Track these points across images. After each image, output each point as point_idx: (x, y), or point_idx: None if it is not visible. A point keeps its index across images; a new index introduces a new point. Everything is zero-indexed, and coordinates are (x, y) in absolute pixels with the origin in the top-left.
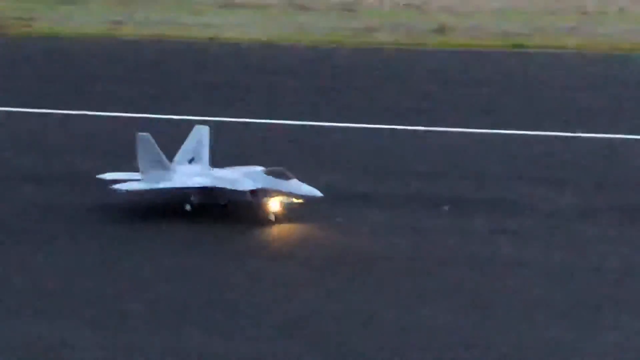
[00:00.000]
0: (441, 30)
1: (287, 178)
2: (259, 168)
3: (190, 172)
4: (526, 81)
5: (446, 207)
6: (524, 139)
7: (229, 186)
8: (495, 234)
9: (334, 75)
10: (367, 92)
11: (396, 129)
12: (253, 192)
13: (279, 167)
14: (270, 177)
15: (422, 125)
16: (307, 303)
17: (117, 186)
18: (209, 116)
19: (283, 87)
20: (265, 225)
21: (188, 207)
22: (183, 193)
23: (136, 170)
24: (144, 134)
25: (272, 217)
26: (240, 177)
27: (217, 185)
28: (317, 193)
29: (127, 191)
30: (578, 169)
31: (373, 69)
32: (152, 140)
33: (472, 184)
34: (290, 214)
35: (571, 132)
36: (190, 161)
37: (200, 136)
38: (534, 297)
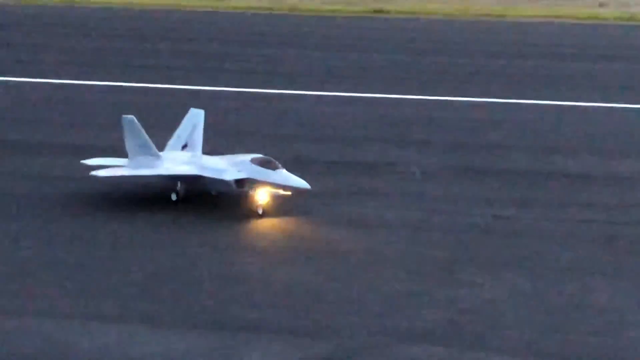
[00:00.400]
0: None
1: (275, 168)
2: (248, 157)
3: (177, 160)
4: (386, 46)
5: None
6: (384, 102)
7: (213, 175)
8: (356, 194)
9: None
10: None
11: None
12: (239, 183)
13: (267, 156)
14: (257, 167)
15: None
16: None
17: (95, 172)
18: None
19: None
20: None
21: (174, 197)
22: (169, 182)
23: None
24: (128, 116)
25: (260, 211)
26: (227, 167)
27: (201, 174)
28: (305, 185)
29: (106, 177)
30: (433, 131)
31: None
32: (137, 123)
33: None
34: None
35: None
36: (184, 147)
37: (195, 120)
38: (389, 255)
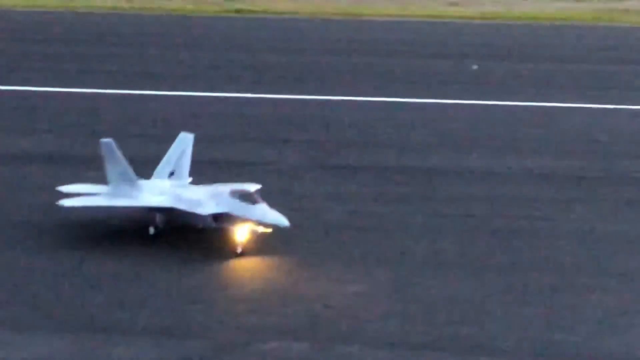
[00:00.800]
0: None
1: (254, 202)
2: (228, 188)
3: (156, 189)
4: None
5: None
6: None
7: (188, 208)
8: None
9: None
10: None
11: None
12: (216, 218)
13: (249, 186)
14: (235, 201)
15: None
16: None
17: (62, 201)
18: None
19: None
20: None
21: (152, 230)
22: (148, 213)
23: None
24: (107, 139)
25: (239, 249)
26: (206, 199)
27: (175, 207)
28: (284, 222)
29: (74, 208)
30: (300, 130)
31: None
32: (115, 147)
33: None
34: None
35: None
36: (171, 175)
37: (184, 145)
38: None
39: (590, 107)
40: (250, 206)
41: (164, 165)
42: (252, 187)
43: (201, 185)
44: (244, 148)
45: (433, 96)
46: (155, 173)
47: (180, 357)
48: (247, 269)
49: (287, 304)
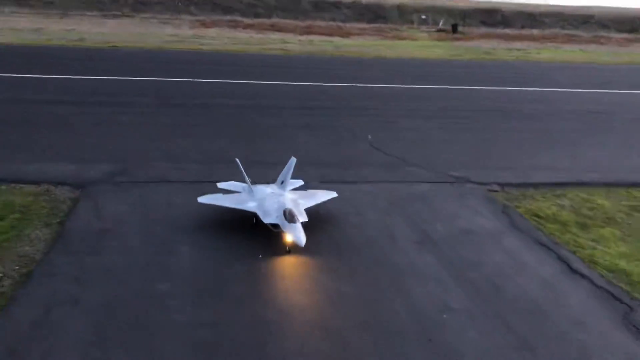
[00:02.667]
0: None
1: (290, 220)
2: (290, 198)
3: (259, 193)
4: None
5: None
6: None
7: (261, 215)
8: None
9: None
10: None
11: None
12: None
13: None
14: (282, 214)
15: None
16: None
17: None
18: None
19: None
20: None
21: (254, 221)
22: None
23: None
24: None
25: (288, 249)
26: (274, 209)
27: (257, 212)
28: (302, 242)
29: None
30: None
31: None
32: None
33: None
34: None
35: None
36: (281, 183)
37: (291, 164)
38: None
39: None
40: (287, 223)
41: (279, 177)
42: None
43: (295, 193)
44: None
45: None
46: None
47: None
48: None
49: None
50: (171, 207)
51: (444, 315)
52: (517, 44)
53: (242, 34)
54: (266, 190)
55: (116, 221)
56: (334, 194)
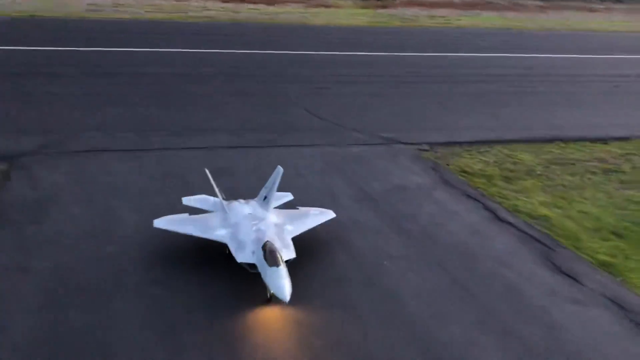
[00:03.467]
0: None
1: (272, 264)
2: (267, 234)
3: (235, 217)
4: None
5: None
6: None
7: (233, 249)
8: None
9: None
10: None
11: None
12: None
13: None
14: (261, 254)
15: None
16: None
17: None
18: None
19: None
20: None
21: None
22: None
23: None
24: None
25: (269, 295)
26: (251, 242)
27: (227, 244)
28: (285, 297)
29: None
30: None
31: None
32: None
33: None
34: None
35: None
36: (264, 198)
37: (276, 176)
38: None
39: None
40: (268, 267)
41: (262, 190)
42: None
43: (282, 213)
44: None
45: None
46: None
47: None
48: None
49: None
50: (110, 175)
51: (385, 262)
52: (440, 12)
53: (163, 2)
54: (244, 209)
55: (54, 191)
56: (331, 214)
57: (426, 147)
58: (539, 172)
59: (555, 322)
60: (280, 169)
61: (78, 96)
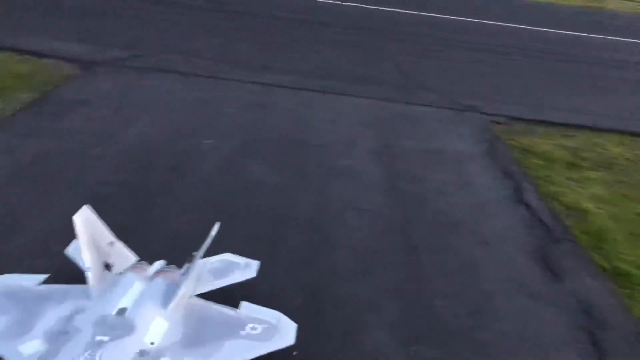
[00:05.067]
0: None
1: None
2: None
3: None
4: None
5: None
6: None
7: None
8: None
9: None
10: None
11: None
12: None
13: None
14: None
15: None
16: None
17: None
18: None
19: None
20: None
21: None
22: None
23: None
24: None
25: None
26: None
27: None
28: None
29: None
30: None
31: None
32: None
33: None
34: None
35: None
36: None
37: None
38: None
39: None
40: None
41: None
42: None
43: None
44: None
45: None
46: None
47: None
48: None
49: None
50: (155, 92)
51: (347, 213)
52: None
53: None
54: (116, 301)
55: (97, 96)
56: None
57: (502, 120)
58: (618, 166)
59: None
60: (216, 227)
61: (186, 25)
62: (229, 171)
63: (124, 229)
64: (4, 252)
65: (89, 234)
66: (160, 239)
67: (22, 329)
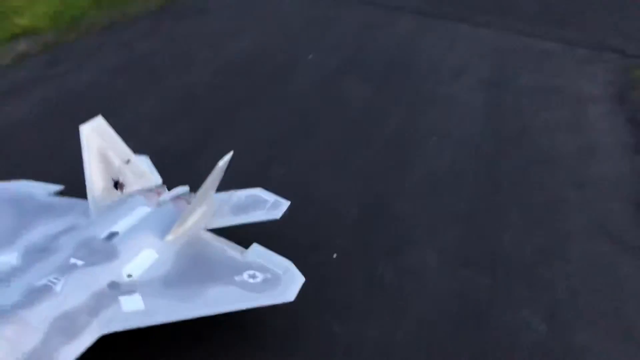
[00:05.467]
0: None
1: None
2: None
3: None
4: None
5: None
6: None
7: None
8: None
9: None
10: None
11: None
12: None
13: None
14: None
15: None
16: None
17: None
18: None
19: None
20: None
21: None
22: None
23: None
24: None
25: None
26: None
27: None
28: None
29: None
30: None
31: None
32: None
33: None
34: None
35: None
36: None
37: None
38: None
39: None
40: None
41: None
42: None
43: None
44: None
45: None
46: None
47: None
48: None
49: None
50: (274, 6)
51: (434, 138)
52: None
53: None
54: (112, 221)
55: (219, 6)
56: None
57: None
58: None
59: None
60: (227, 157)
61: None
62: (326, 85)
63: (206, 131)
64: None
65: (98, 147)
66: (237, 144)
67: (7, 239)
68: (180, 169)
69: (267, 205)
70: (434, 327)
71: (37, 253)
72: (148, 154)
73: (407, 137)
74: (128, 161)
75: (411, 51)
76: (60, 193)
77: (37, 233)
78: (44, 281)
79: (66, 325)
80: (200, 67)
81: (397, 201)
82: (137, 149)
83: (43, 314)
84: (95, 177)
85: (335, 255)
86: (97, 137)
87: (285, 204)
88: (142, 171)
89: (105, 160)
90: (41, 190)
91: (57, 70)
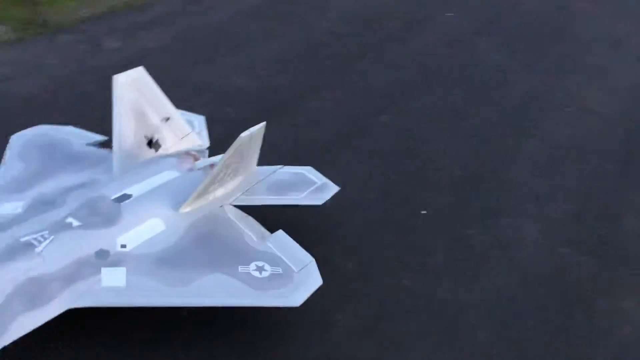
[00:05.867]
0: None
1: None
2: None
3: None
4: None
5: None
6: None
7: None
8: None
9: None
10: None
11: None
12: None
13: None
14: None
15: None
16: None
17: None
18: None
19: None
20: None
21: None
22: None
23: None
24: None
25: None
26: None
27: None
28: None
29: None
30: None
31: None
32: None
33: None
34: None
35: None
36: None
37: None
38: None
39: None
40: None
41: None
42: None
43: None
44: None
45: None
46: None
47: None
48: None
49: None
50: None
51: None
52: None
53: None
54: (130, 179)
55: None
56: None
57: None
58: None
59: None
60: (246, 134)
61: None
62: (455, 43)
63: (322, 76)
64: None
65: (134, 100)
66: (353, 91)
67: (22, 186)
68: (286, 112)
69: (310, 187)
70: (511, 303)
71: (42, 205)
72: (258, 94)
73: (536, 106)
74: (168, 119)
75: (564, 17)
76: (103, 145)
77: (53, 184)
78: (28, 238)
79: (34, 291)
80: (334, 14)
81: (507, 168)
82: (248, 87)
83: (12, 274)
84: (125, 132)
85: (424, 212)
86: (133, 90)
87: (333, 189)
88: (185, 132)
89: (140, 116)
90: (82, 139)
91: (198, 8)
